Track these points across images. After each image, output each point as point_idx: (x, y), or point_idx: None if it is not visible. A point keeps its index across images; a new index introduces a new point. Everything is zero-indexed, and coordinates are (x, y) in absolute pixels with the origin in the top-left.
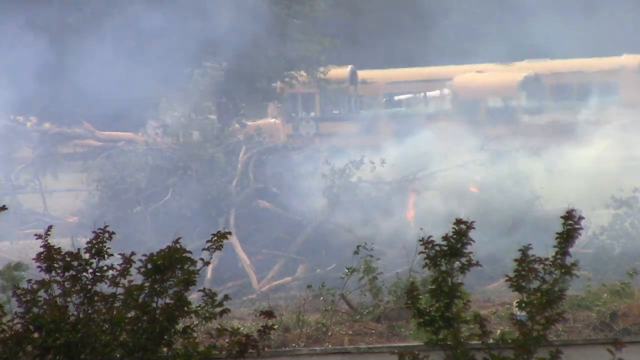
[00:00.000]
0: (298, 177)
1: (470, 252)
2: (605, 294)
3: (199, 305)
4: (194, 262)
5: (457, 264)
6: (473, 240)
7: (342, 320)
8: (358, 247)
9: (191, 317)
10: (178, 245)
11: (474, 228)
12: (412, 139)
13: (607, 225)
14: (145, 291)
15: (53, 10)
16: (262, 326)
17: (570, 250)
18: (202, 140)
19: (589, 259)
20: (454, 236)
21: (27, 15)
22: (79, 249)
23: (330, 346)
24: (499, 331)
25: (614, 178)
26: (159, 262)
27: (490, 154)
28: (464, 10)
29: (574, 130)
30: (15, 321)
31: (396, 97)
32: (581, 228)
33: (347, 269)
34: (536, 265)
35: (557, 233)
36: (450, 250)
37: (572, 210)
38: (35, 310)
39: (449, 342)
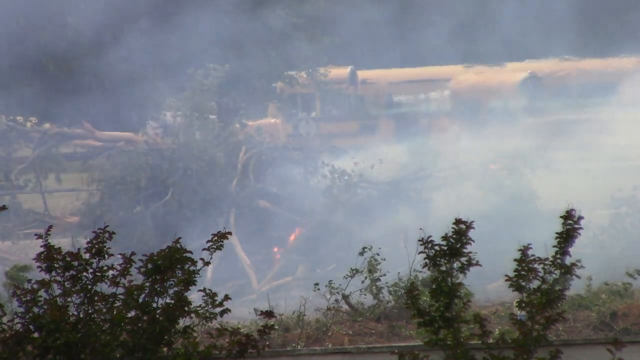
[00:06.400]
0: (298, 177)
1: (470, 252)
2: (605, 294)
3: (199, 305)
4: (194, 262)
5: (456, 263)
6: (473, 240)
7: (342, 320)
8: (364, 248)
9: (191, 317)
10: (178, 245)
11: (473, 228)
12: (411, 139)
13: (607, 225)
14: (146, 291)
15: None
16: (262, 326)
17: (570, 250)
18: (202, 140)
19: (589, 259)
20: (454, 236)
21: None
22: (79, 249)
23: (330, 346)
24: (497, 330)
25: (614, 178)
26: (159, 262)
27: (490, 154)
28: (465, 10)
29: (574, 130)
30: (16, 321)
31: (396, 98)
32: (581, 228)
33: (351, 270)
34: (536, 265)
35: (557, 233)
36: (450, 250)
37: (572, 210)
38: (36, 310)
39: (449, 342)
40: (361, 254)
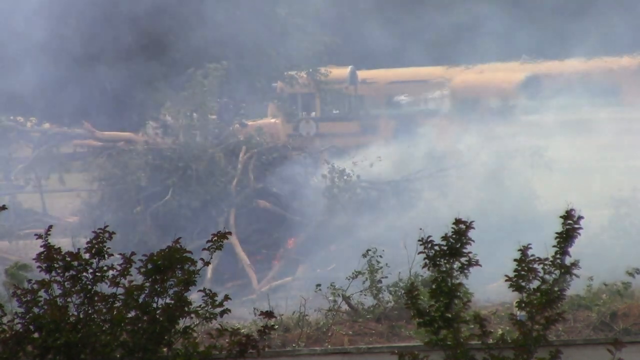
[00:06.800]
0: (298, 177)
1: (470, 252)
2: (605, 294)
3: (199, 306)
4: (194, 262)
5: (456, 264)
6: (472, 240)
7: (342, 320)
8: (368, 250)
9: (191, 317)
10: (178, 245)
11: (473, 228)
12: (412, 139)
13: (607, 225)
14: (146, 291)
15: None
16: (262, 326)
17: (570, 250)
18: (202, 140)
19: (589, 259)
20: (454, 236)
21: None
22: (79, 249)
23: (330, 346)
24: (500, 330)
25: (614, 178)
26: (159, 262)
27: (490, 154)
28: (464, 10)
29: (574, 130)
30: (15, 321)
31: (396, 97)
32: (581, 228)
33: (354, 272)
34: (536, 265)
35: (557, 233)
36: (450, 250)
37: (572, 210)
38: (36, 310)
39: (449, 342)
40: (364, 255)
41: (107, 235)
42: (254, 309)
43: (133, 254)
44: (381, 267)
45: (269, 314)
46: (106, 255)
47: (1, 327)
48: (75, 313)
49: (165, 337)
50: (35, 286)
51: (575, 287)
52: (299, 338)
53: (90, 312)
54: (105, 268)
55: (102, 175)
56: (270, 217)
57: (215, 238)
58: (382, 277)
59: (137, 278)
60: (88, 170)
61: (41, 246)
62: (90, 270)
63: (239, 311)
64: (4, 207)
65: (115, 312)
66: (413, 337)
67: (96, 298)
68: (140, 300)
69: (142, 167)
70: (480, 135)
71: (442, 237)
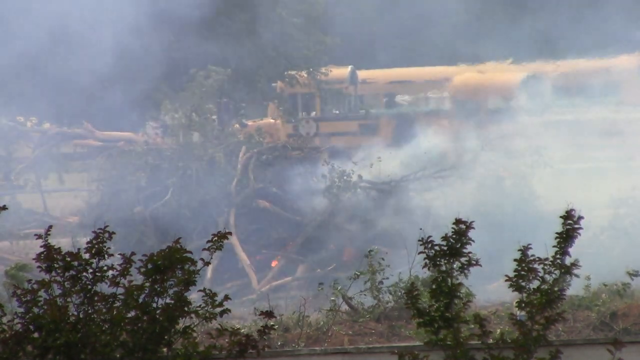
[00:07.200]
0: (298, 177)
1: (470, 252)
2: (605, 294)
3: (199, 306)
4: (194, 262)
5: (456, 264)
6: (473, 240)
7: (342, 320)
8: (370, 251)
9: (191, 317)
10: (178, 245)
11: (473, 228)
12: (412, 139)
13: (607, 225)
14: (146, 291)
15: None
16: (262, 326)
17: (570, 250)
18: (202, 141)
19: (589, 259)
20: (454, 236)
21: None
22: (79, 249)
23: (330, 346)
24: (498, 330)
25: (614, 178)
26: (159, 262)
27: (490, 154)
28: (464, 9)
29: (574, 130)
30: (15, 321)
31: (396, 97)
32: (581, 228)
33: (356, 272)
34: (536, 265)
35: (557, 233)
36: (450, 250)
37: (572, 210)
38: (35, 310)
39: (448, 342)
40: (366, 256)
41: (107, 235)
42: (254, 309)
43: (133, 254)
44: (383, 269)
45: (268, 314)
46: (106, 255)
47: (1, 327)
48: (75, 313)
49: (165, 337)
50: (35, 286)
51: (575, 287)
52: (299, 338)
53: (90, 312)
54: (105, 268)
55: (102, 175)
56: (270, 217)
57: (215, 238)
58: (384, 279)
59: (137, 278)
60: (88, 170)
61: (41, 246)
62: (90, 270)
63: (239, 311)
64: (4, 207)
65: (115, 312)
66: (413, 337)
67: (96, 298)
68: (140, 300)
69: (142, 167)
70: (480, 135)
71: (442, 237)
